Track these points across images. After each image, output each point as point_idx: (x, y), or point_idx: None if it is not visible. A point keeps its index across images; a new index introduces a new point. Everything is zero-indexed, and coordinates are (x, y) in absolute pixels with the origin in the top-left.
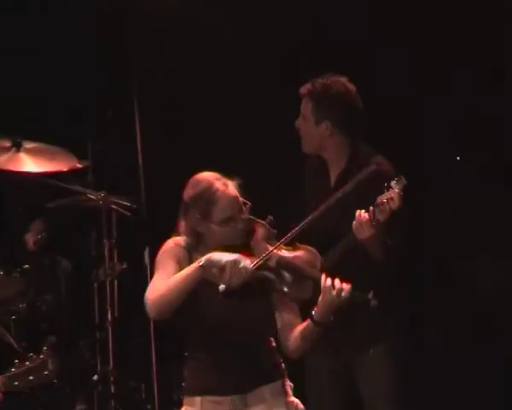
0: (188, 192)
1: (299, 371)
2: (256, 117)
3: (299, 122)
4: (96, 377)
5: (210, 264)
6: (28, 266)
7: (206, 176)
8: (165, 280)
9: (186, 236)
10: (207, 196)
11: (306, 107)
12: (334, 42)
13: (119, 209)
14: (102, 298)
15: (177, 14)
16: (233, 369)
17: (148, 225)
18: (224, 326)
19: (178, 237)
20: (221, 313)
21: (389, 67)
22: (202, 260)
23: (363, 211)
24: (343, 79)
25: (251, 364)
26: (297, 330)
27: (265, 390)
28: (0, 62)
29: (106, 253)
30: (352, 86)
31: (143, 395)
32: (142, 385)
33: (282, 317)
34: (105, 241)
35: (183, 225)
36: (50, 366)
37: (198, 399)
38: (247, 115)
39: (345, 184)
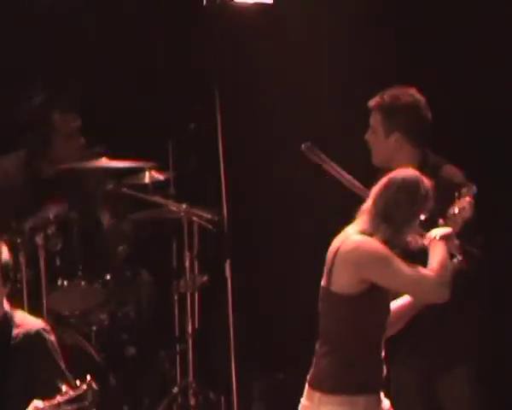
0: (421, 194)
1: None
2: (339, 125)
3: (368, 135)
4: (175, 389)
5: (445, 237)
6: (110, 277)
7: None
8: (418, 267)
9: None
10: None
11: (375, 119)
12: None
13: (201, 222)
14: (183, 310)
15: (257, 24)
16: (380, 364)
17: (230, 237)
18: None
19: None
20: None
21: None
22: (437, 235)
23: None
24: (411, 90)
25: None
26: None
27: None
28: (86, 73)
29: (187, 265)
30: (420, 97)
31: (223, 408)
32: (222, 398)
33: None
34: (186, 253)
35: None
36: (90, 398)
37: (361, 398)
38: (331, 121)
39: None
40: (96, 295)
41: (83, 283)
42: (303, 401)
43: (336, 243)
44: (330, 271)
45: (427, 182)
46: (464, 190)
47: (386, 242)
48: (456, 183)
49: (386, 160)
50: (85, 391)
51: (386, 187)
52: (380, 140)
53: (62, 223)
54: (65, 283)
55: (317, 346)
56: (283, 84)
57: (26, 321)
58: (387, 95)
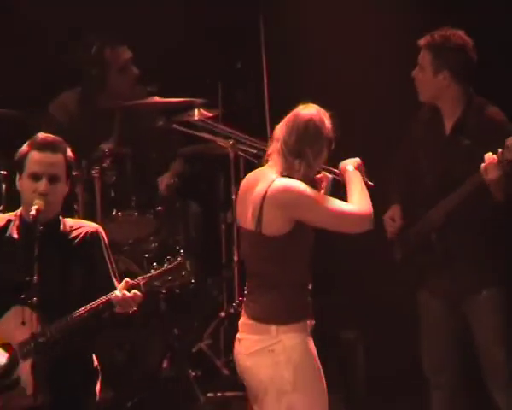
0: (326, 127)
1: (413, 312)
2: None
3: (416, 72)
4: (222, 314)
5: (357, 167)
6: (161, 208)
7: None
8: (341, 202)
9: (308, 169)
10: (332, 125)
11: (425, 58)
12: None
13: (247, 156)
14: (229, 239)
15: None
16: (309, 292)
17: None
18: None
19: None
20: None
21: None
22: (350, 167)
23: (491, 154)
24: (460, 32)
25: None
26: None
27: None
28: (142, 18)
29: (233, 197)
30: (468, 39)
31: None
32: None
33: None
34: (233, 186)
35: (308, 159)
36: (188, 267)
37: (307, 322)
38: (371, 68)
39: (461, 132)
40: (148, 225)
41: (136, 213)
42: (252, 336)
43: (260, 187)
44: (259, 216)
45: (328, 115)
46: None
47: (303, 179)
48: (500, 121)
49: (433, 97)
50: (181, 262)
51: (294, 124)
52: (428, 77)
53: (117, 157)
54: (119, 213)
55: (250, 285)
56: (326, 26)
57: (82, 223)
58: (438, 35)
